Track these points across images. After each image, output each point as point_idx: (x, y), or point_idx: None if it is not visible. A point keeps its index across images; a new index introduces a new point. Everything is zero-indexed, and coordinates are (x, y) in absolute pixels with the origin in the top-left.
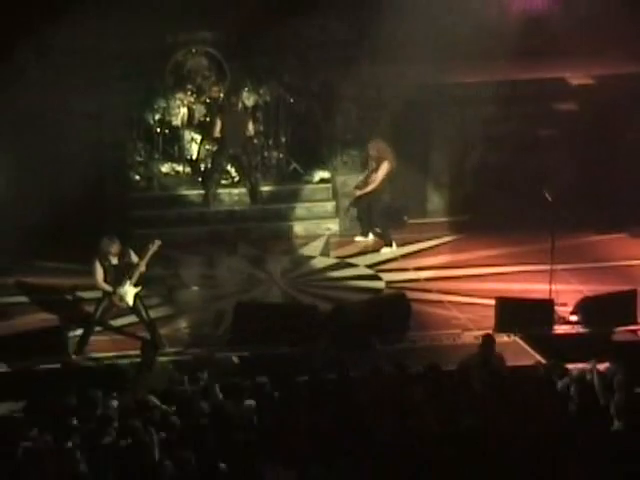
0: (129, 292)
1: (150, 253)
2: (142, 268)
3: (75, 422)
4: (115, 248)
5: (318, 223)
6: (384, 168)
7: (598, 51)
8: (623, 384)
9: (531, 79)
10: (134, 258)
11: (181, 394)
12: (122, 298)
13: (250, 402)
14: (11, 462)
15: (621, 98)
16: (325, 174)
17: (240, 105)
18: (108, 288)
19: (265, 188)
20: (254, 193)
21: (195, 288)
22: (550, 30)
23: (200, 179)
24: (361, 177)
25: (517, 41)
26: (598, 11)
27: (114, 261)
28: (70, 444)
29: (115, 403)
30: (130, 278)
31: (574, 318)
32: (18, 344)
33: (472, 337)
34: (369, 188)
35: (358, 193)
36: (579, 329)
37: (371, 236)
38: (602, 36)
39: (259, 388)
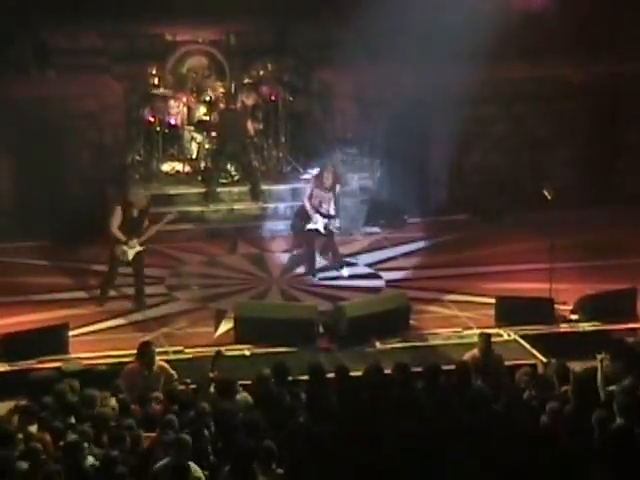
0: (134, 249)
1: (165, 221)
2: (153, 232)
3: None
4: (143, 201)
5: None
6: (337, 191)
7: (598, 50)
8: (625, 381)
9: (531, 78)
10: (146, 222)
11: (182, 394)
12: (125, 252)
13: (244, 395)
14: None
15: (621, 97)
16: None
17: (240, 104)
18: (121, 237)
19: (265, 187)
20: (255, 192)
21: (195, 287)
22: (550, 29)
23: (200, 178)
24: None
25: (517, 40)
26: (598, 10)
27: (135, 214)
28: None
29: (113, 401)
30: (139, 237)
31: (574, 316)
32: (18, 344)
33: (472, 336)
34: (333, 213)
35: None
36: (579, 327)
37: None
38: (602, 35)
39: (261, 382)
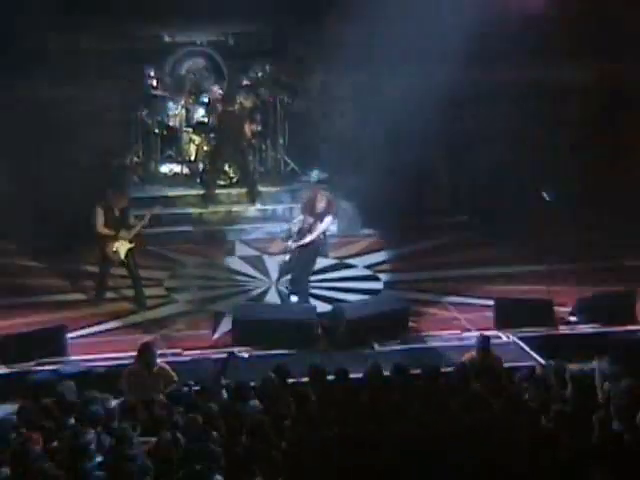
0: (124, 246)
1: (142, 224)
2: (138, 228)
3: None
4: (122, 202)
5: None
6: (327, 221)
7: (598, 50)
8: (623, 383)
9: (531, 78)
10: (132, 219)
11: (185, 396)
12: (116, 251)
13: (255, 402)
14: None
15: (621, 97)
16: (323, 175)
17: (238, 106)
18: (109, 232)
19: (263, 189)
20: (253, 194)
21: (193, 289)
22: (550, 29)
23: (198, 180)
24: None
25: (517, 40)
26: (598, 10)
27: (117, 214)
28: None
29: (114, 403)
30: (128, 230)
31: (573, 318)
32: (16, 346)
33: (471, 338)
34: (307, 240)
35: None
36: (578, 329)
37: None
38: (602, 35)
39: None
